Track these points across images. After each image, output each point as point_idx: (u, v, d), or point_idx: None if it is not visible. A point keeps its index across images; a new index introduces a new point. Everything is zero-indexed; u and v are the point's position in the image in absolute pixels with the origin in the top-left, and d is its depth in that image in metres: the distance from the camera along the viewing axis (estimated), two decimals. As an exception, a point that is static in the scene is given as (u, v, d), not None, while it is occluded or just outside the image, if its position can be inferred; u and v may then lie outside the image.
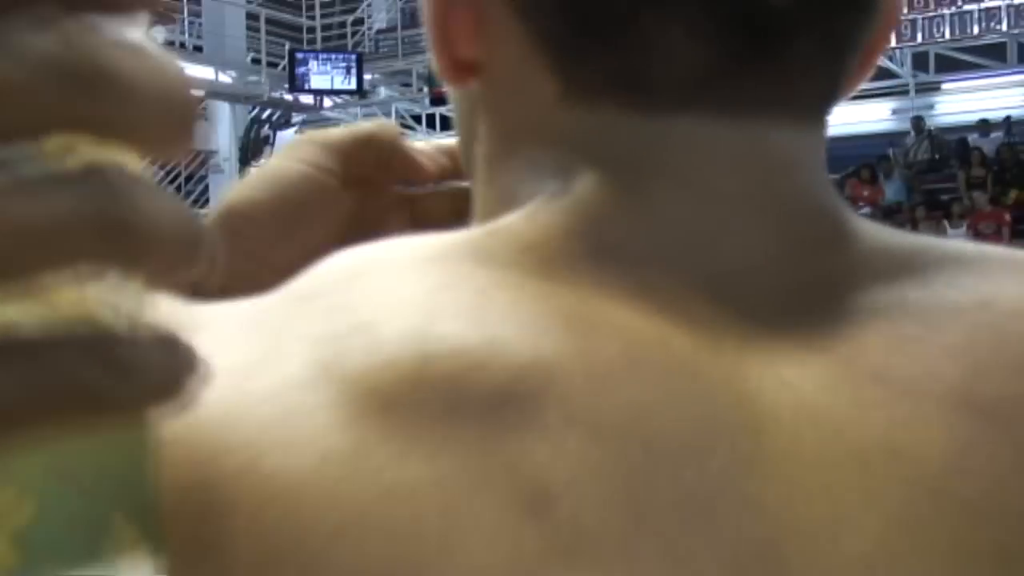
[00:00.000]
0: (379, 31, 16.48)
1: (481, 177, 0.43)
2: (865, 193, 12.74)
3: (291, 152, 0.58)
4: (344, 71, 14.41)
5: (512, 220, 0.38)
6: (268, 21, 15.05)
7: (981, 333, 0.36)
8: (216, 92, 14.55)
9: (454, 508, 0.30)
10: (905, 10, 11.30)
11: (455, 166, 0.58)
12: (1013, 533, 0.33)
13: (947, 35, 12.47)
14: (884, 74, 13.85)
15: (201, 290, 0.32)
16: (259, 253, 0.54)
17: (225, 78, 14.46)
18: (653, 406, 0.33)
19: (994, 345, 0.36)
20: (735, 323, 0.36)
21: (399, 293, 0.35)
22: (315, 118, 17.12)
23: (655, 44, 0.37)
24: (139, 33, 0.23)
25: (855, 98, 0.66)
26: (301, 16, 16.30)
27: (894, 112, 14.61)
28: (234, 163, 15.31)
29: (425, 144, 0.62)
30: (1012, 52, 13.04)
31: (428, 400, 0.31)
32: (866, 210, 11.12)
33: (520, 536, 0.30)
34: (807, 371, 0.35)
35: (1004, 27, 12.27)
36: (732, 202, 0.38)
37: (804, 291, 0.38)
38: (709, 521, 0.31)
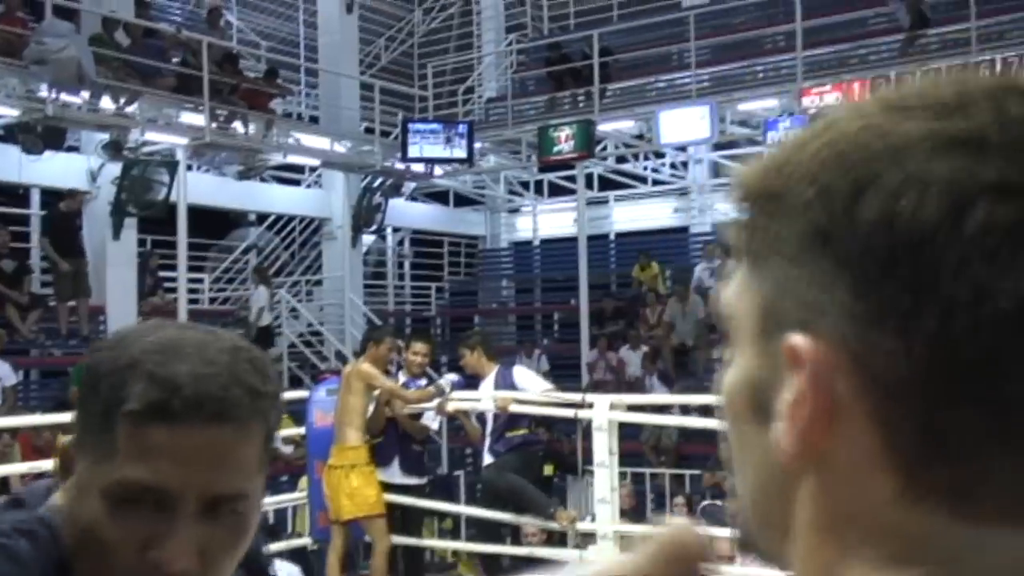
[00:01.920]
0: (489, 100, 16.74)
1: (799, 552, 0.49)
2: None
3: None
4: (455, 139, 14.65)
5: None
6: (381, 91, 15.42)
7: None
8: (330, 162, 14.93)
9: None
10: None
11: None
12: None
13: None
14: None
15: None
16: None
17: (340, 148, 14.83)
18: None
19: None
20: None
21: None
22: (426, 185, 17.43)
23: (994, 467, 0.44)
24: None
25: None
26: (413, 86, 16.67)
27: None
28: (347, 230, 15.61)
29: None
30: None
31: None
32: None
33: None
34: None
35: None
36: None
37: None
38: None
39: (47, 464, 7.85)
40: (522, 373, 6.54)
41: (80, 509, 0.93)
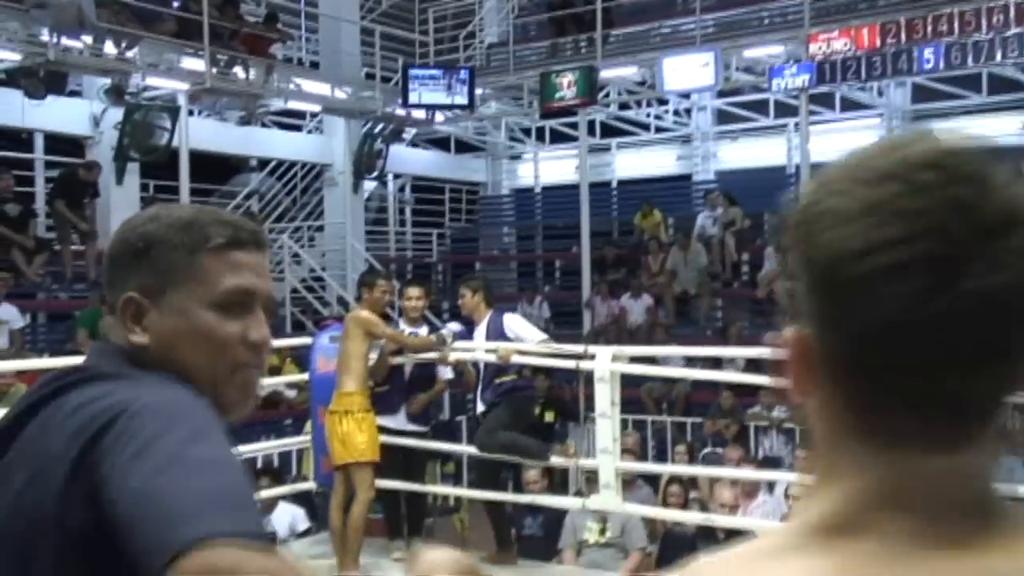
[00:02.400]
0: (491, 45, 16.61)
1: (822, 462, 0.80)
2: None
3: None
4: (456, 85, 14.56)
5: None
6: (382, 36, 15.30)
7: None
8: (331, 107, 14.86)
9: None
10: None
11: None
12: None
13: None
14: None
15: None
16: None
17: (340, 94, 14.74)
18: None
19: None
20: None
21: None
22: (427, 131, 17.36)
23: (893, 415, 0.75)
24: None
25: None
26: (414, 31, 16.53)
27: None
28: (348, 176, 15.58)
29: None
30: None
31: None
32: None
33: None
34: None
35: None
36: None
37: None
38: None
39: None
40: (514, 321, 6.47)
41: (188, 326, 1.30)
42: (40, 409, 1.22)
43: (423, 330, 6.73)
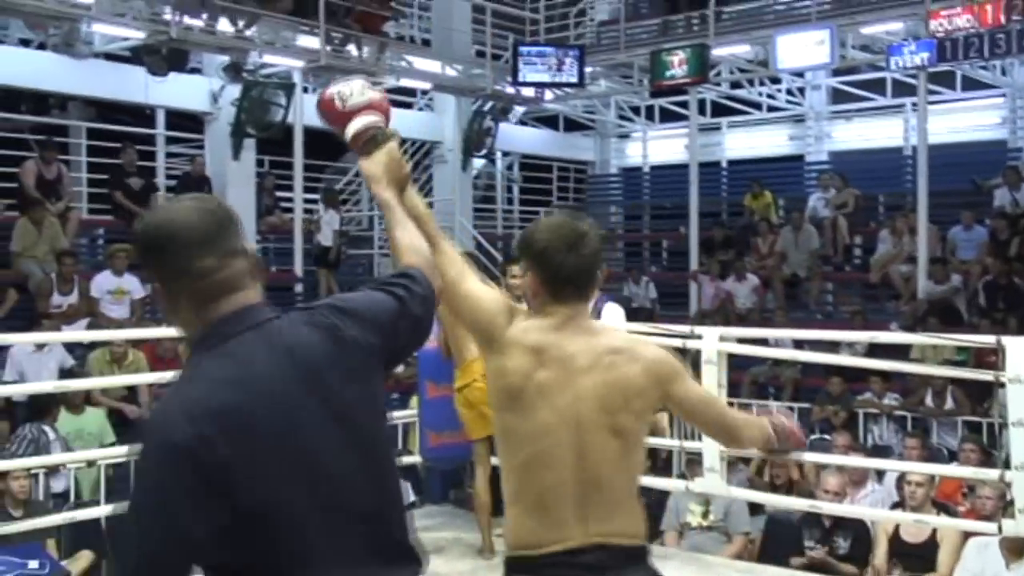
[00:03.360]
0: (601, 23, 16.51)
1: (540, 311, 2.70)
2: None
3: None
4: (566, 63, 14.53)
5: None
6: (493, 14, 15.34)
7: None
8: (442, 85, 14.97)
9: None
10: None
11: None
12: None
13: None
14: None
15: None
16: None
17: (451, 71, 14.84)
18: None
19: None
20: None
21: None
22: (536, 109, 17.36)
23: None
24: None
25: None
26: (525, 9, 16.52)
27: None
28: (457, 154, 15.70)
29: None
30: None
31: None
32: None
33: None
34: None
35: None
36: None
37: None
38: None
39: (170, 374, 8.21)
40: (610, 310, 6.35)
41: None
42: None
43: (523, 307, 6.72)
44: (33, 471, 6.73)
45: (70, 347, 9.12)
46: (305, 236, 13.21)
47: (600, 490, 2.44)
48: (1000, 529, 5.04)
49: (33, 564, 5.54)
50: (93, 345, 9.17)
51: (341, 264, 13.41)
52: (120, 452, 7.41)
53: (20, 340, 8.20)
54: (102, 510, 6.52)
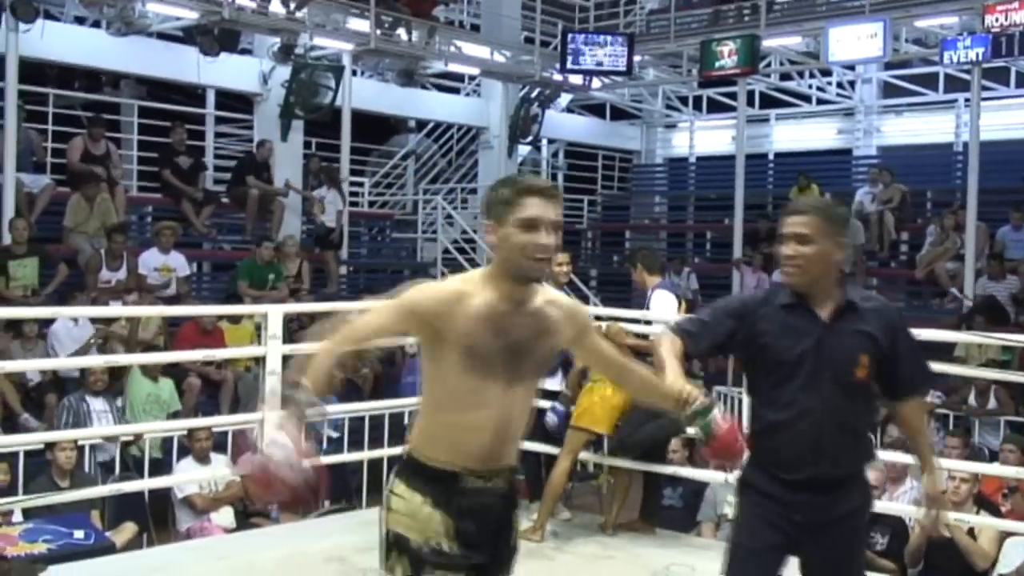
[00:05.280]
0: (651, 12, 16.43)
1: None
2: None
3: None
4: (615, 52, 14.49)
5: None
6: (543, 1, 15.32)
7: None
8: (490, 70, 14.98)
9: None
10: None
11: None
12: None
13: None
14: None
15: None
16: None
17: (499, 57, 14.84)
18: None
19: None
20: None
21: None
22: (583, 97, 17.33)
23: None
24: None
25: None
26: (575, -4, 16.49)
27: None
28: (503, 140, 15.71)
29: None
30: None
31: None
32: None
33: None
34: None
35: None
36: None
37: None
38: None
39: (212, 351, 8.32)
40: (658, 297, 6.30)
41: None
42: None
43: (559, 294, 6.73)
44: (80, 442, 6.87)
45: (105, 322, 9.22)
46: (308, 217, 13.13)
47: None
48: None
49: (79, 534, 5.65)
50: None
51: (343, 244, 13.14)
52: (182, 424, 7.55)
53: (65, 313, 8.35)
54: (146, 483, 6.65)
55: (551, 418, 6.33)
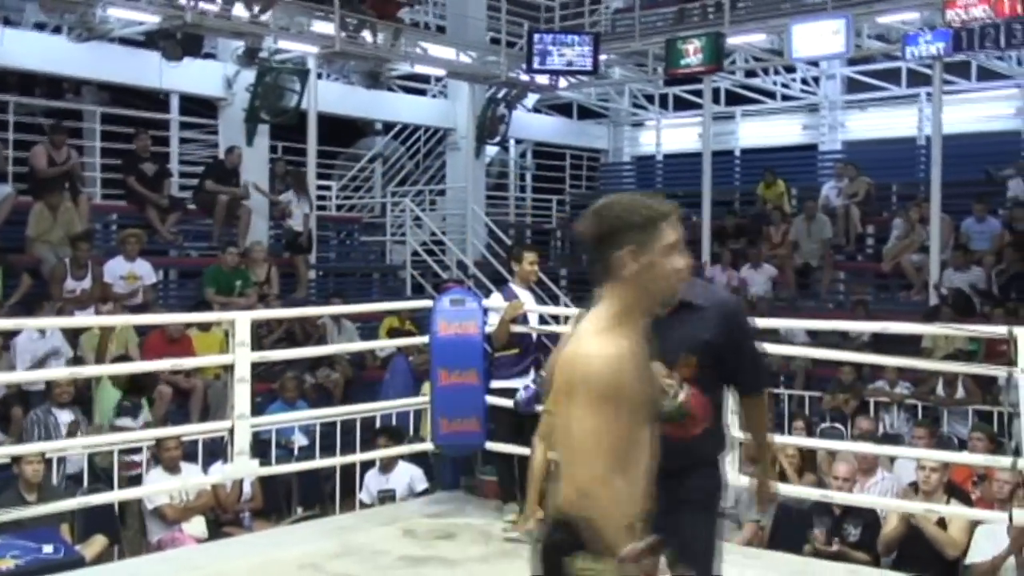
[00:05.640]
0: (616, 11, 16.45)
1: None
2: None
3: None
4: (581, 51, 14.49)
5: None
6: (508, 1, 15.30)
7: None
8: (456, 72, 14.95)
9: None
10: None
11: None
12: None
13: None
14: None
15: None
16: None
17: (465, 58, 14.82)
18: None
19: None
20: None
21: None
22: (549, 97, 17.33)
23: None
24: None
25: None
26: (540, -4, 16.49)
27: None
28: (471, 141, 15.69)
29: None
30: None
31: None
32: None
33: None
34: None
35: None
36: None
37: None
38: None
39: (180, 360, 8.24)
40: None
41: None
42: None
43: (529, 295, 6.82)
44: (47, 455, 6.78)
45: (74, 332, 9.11)
46: (275, 221, 13.02)
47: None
48: (1011, 518, 5.05)
49: (48, 548, 5.57)
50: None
51: (312, 249, 13.01)
52: (151, 434, 7.47)
53: (34, 324, 8.25)
54: (115, 495, 6.57)
55: (522, 394, 6.42)
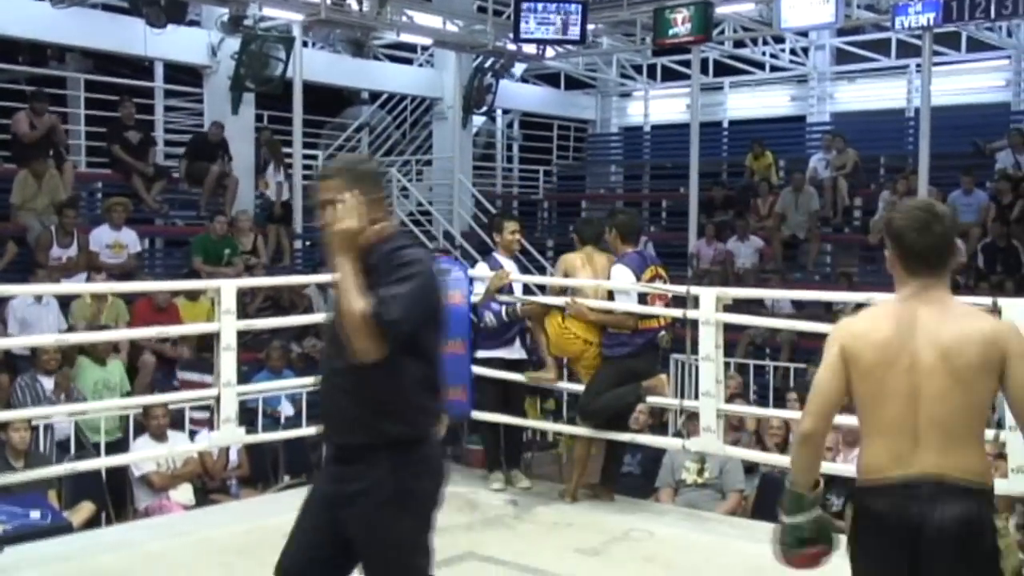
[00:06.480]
0: (604, -20, 16.34)
1: (897, 285, 3.05)
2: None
3: None
4: (568, 20, 14.39)
5: None
6: (495, -30, 15.19)
7: None
8: (443, 40, 14.86)
9: None
10: None
11: None
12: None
13: None
14: None
15: None
16: None
17: (452, 27, 14.71)
18: None
19: None
20: None
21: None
22: (537, 66, 17.25)
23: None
24: None
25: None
26: (528, -36, 16.34)
27: None
28: (457, 111, 15.62)
29: None
30: None
31: None
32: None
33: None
34: None
35: None
36: None
37: None
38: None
39: (166, 328, 8.23)
40: (617, 271, 6.29)
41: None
42: None
43: (513, 264, 6.84)
44: (34, 422, 6.78)
45: (65, 300, 9.10)
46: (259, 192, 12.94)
47: (935, 427, 2.79)
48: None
49: (35, 514, 5.59)
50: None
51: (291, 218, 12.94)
52: (137, 401, 7.46)
53: (24, 291, 8.22)
54: (102, 461, 6.58)
55: (488, 316, 6.59)
